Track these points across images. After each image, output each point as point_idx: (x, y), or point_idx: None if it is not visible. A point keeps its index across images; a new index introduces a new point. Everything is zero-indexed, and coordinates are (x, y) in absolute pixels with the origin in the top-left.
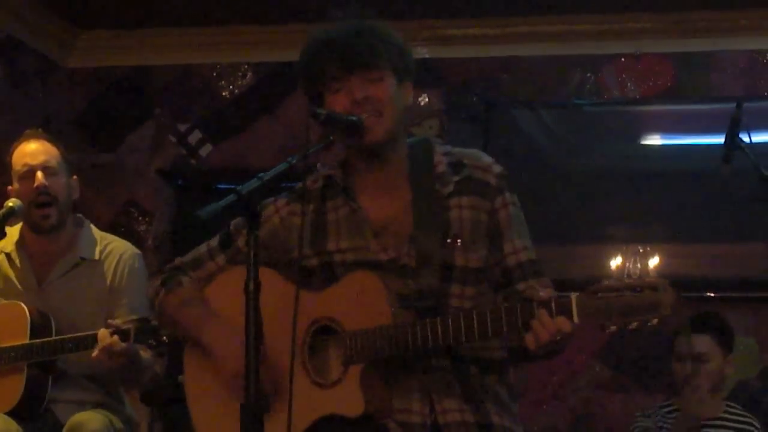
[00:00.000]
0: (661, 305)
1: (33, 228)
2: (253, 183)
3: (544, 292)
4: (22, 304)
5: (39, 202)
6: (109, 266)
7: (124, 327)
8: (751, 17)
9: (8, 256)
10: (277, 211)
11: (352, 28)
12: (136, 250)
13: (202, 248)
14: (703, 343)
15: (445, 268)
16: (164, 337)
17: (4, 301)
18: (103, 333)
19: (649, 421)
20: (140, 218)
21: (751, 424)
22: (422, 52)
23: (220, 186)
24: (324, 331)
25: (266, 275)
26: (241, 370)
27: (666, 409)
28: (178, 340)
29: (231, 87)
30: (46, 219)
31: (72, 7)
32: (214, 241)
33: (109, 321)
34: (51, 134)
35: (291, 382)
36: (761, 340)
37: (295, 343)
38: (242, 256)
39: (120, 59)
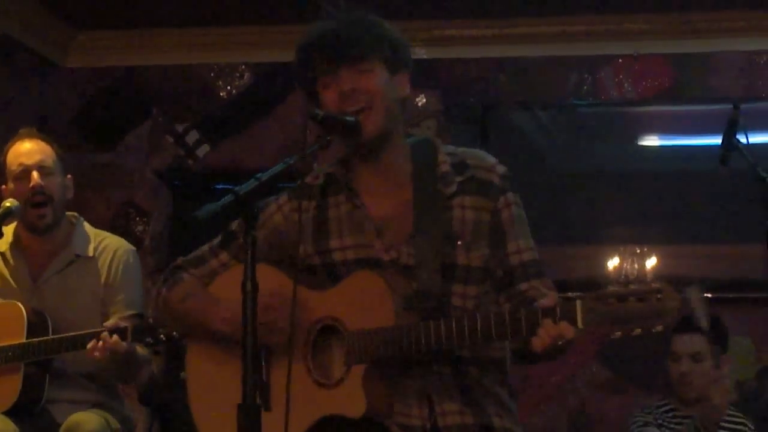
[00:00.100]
0: (665, 312)
1: (29, 228)
2: (251, 184)
3: (548, 297)
4: (19, 304)
5: (35, 201)
6: (104, 263)
7: (122, 326)
8: (749, 18)
9: (2, 255)
10: (279, 208)
11: (341, 21)
12: (131, 246)
13: (204, 248)
14: (698, 342)
15: (447, 268)
16: (161, 335)
17: (0, 301)
18: (104, 336)
19: (649, 417)
20: (138, 218)
21: (745, 425)
22: (420, 53)
23: (217, 186)
24: (327, 331)
25: (269, 273)
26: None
27: (663, 408)
28: (184, 335)
29: (228, 87)
30: (42, 218)
31: (70, 8)
32: (217, 240)
33: (105, 324)
34: (47, 134)
35: (289, 381)
36: (758, 341)
37: (293, 342)
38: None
39: (117, 59)
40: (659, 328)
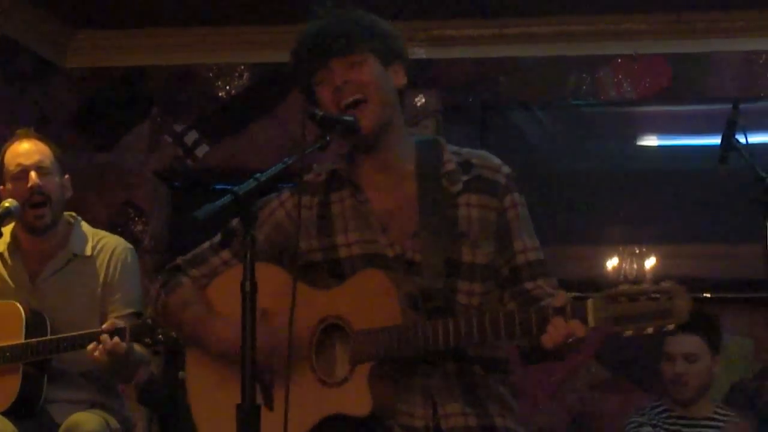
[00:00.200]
0: (677, 311)
1: (27, 228)
2: (250, 184)
3: (559, 296)
4: (17, 304)
5: (33, 202)
6: (102, 262)
7: (120, 326)
8: (748, 18)
9: (0, 255)
10: (281, 204)
11: (330, 18)
12: (129, 245)
13: (204, 246)
14: (692, 343)
15: (452, 265)
16: (160, 335)
17: None
18: (104, 338)
19: (644, 418)
20: (137, 218)
21: (734, 422)
22: (420, 53)
23: (216, 186)
24: (332, 330)
25: (271, 272)
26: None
27: (657, 409)
28: (182, 341)
29: (227, 87)
30: (41, 219)
31: (68, 8)
32: (217, 238)
33: (103, 327)
34: (45, 134)
35: (288, 379)
36: (757, 341)
37: (292, 341)
38: None
39: (116, 59)
40: (671, 327)
